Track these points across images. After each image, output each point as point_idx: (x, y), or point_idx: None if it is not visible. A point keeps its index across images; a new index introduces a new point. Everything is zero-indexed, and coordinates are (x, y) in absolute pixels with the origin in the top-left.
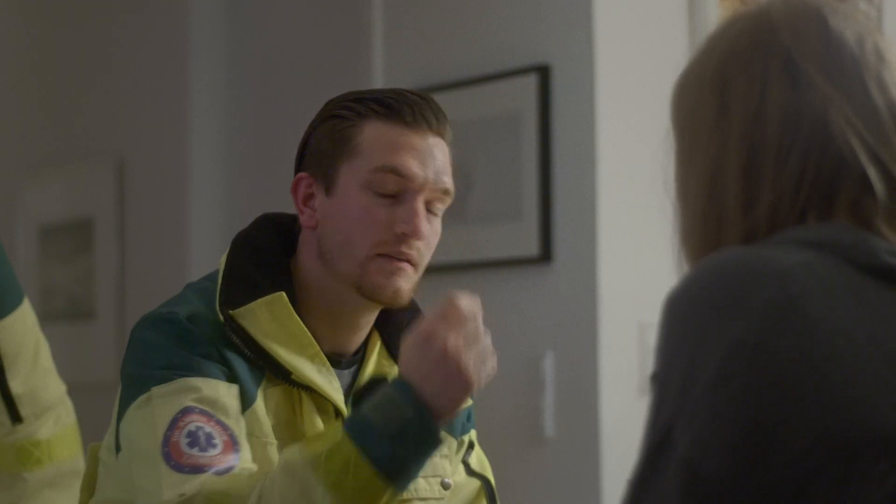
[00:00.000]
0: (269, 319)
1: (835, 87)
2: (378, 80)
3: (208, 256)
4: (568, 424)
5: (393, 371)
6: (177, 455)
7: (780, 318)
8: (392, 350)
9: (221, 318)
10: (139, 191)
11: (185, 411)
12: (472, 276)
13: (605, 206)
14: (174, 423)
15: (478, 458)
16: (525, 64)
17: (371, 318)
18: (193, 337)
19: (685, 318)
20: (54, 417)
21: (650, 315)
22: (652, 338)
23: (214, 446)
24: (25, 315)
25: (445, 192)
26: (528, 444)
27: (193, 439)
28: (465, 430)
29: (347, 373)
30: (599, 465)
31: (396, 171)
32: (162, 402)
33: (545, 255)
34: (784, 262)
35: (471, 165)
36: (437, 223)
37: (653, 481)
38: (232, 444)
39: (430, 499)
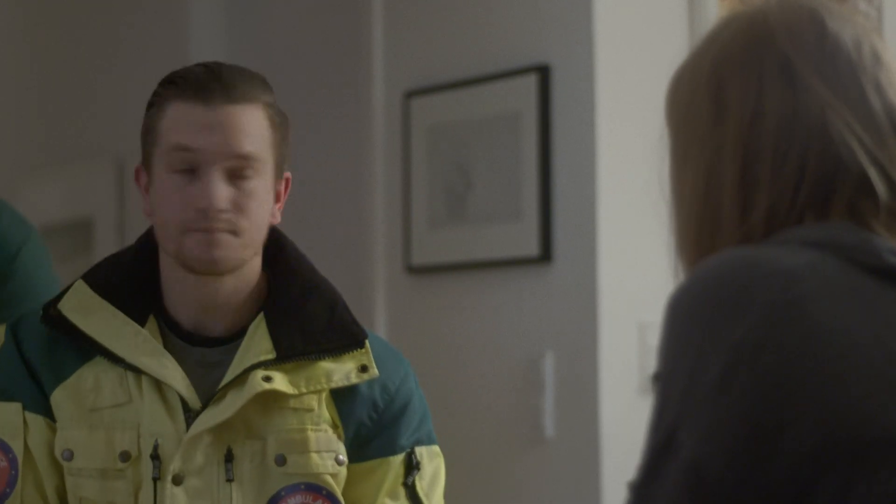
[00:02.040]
0: (77, 306)
1: (831, 90)
2: (378, 80)
3: None
4: (568, 424)
5: (263, 352)
6: None
7: (783, 318)
8: (273, 328)
9: (41, 312)
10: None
11: None
12: (472, 276)
13: (605, 206)
14: None
15: (430, 480)
16: (525, 64)
17: (237, 292)
18: (5, 351)
19: (688, 319)
20: None
21: (650, 315)
22: (652, 338)
23: None
24: None
25: (243, 156)
26: (528, 444)
27: None
28: (413, 440)
29: (215, 350)
30: (599, 465)
31: (184, 148)
32: None
33: (545, 255)
34: (787, 263)
35: (471, 165)
36: (252, 186)
37: (657, 483)
38: (8, 470)
39: (324, 474)
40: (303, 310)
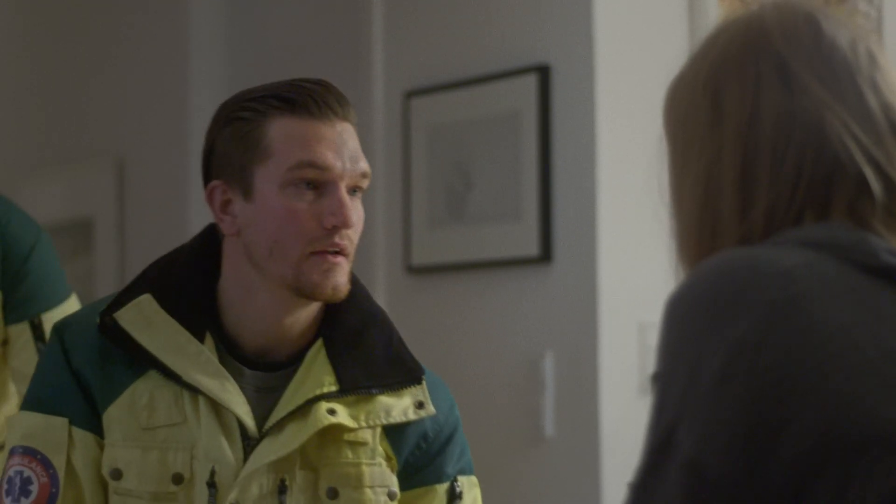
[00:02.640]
0: (140, 319)
1: (828, 91)
2: (378, 80)
3: None
4: (568, 424)
5: (325, 383)
6: None
7: (781, 317)
8: (333, 358)
9: (97, 319)
10: (139, 191)
11: (11, 452)
12: (472, 276)
13: (605, 206)
14: (5, 469)
15: None
16: (525, 64)
17: (306, 319)
18: (51, 359)
19: (687, 319)
20: None
21: (650, 315)
22: (652, 338)
23: (28, 494)
24: (73, 309)
25: (363, 175)
26: (528, 444)
27: (10, 486)
28: (457, 469)
29: (271, 375)
30: (599, 465)
31: (313, 165)
32: (6, 439)
33: (545, 255)
34: (785, 262)
35: (471, 165)
36: (360, 207)
37: (656, 483)
38: (49, 487)
39: None
40: (363, 340)
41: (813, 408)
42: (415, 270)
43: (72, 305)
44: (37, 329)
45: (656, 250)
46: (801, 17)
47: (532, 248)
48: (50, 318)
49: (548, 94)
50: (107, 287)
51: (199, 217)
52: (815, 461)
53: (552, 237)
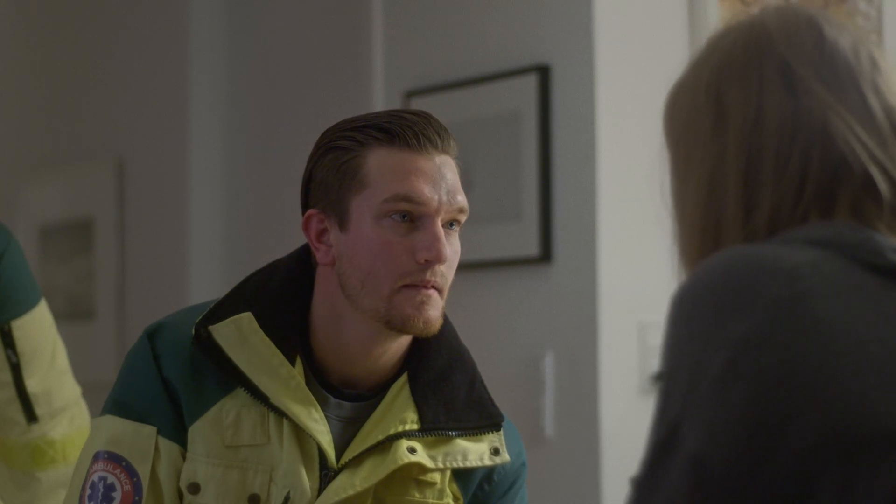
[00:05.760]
0: (235, 336)
1: (832, 93)
2: (378, 80)
3: (208, 257)
4: (568, 424)
5: (407, 420)
6: None
7: (786, 315)
8: (417, 395)
9: (192, 331)
10: (139, 191)
11: (95, 457)
12: (472, 276)
13: (605, 206)
14: (88, 474)
15: None
16: (525, 64)
17: (395, 352)
18: (141, 365)
19: (692, 316)
20: (69, 418)
21: (650, 315)
22: (652, 338)
23: (111, 500)
24: (42, 315)
25: (461, 210)
26: (528, 444)
27: (93, 492)
28: None
29: (354, 406)
30: (599, 465)
31: (409, 199)
32: (89, 442)
33: (545, 255)
34: (790, 261)
35: (471, 165)
36: (457, 242)
37: (659, 478)
38: (132, 496)
39: None
40: (448, 380)
41: (817, 405)
42: None
43: (41, 311)
44: (6, 336)
45: (656, 250)
46: (804, 21)
47: (532, 248)
48: (19, 325)
49: (548, 94)
50: (107, 287)
51: (198, 216)
52: (819, 458)
53: (552, 237)
